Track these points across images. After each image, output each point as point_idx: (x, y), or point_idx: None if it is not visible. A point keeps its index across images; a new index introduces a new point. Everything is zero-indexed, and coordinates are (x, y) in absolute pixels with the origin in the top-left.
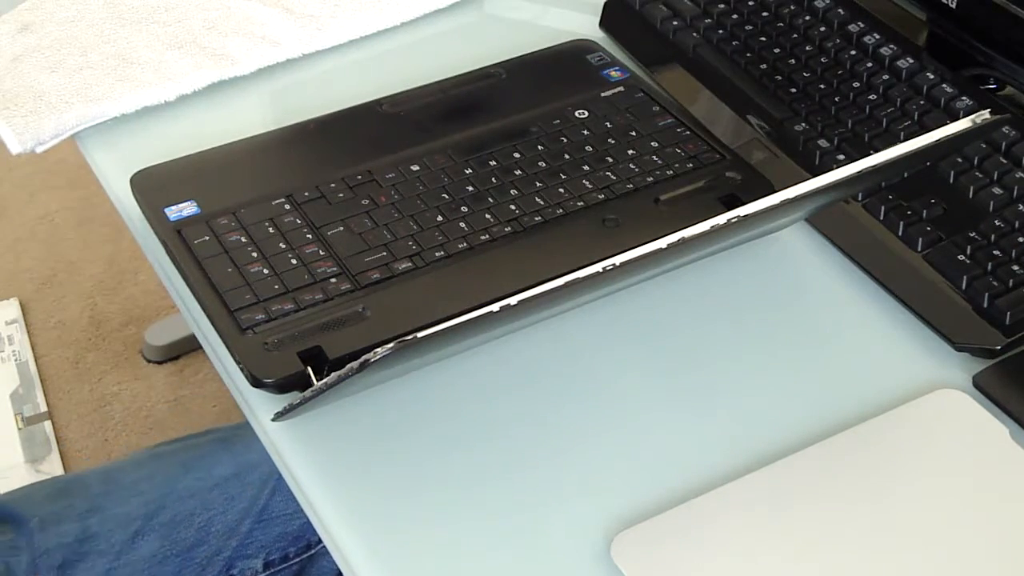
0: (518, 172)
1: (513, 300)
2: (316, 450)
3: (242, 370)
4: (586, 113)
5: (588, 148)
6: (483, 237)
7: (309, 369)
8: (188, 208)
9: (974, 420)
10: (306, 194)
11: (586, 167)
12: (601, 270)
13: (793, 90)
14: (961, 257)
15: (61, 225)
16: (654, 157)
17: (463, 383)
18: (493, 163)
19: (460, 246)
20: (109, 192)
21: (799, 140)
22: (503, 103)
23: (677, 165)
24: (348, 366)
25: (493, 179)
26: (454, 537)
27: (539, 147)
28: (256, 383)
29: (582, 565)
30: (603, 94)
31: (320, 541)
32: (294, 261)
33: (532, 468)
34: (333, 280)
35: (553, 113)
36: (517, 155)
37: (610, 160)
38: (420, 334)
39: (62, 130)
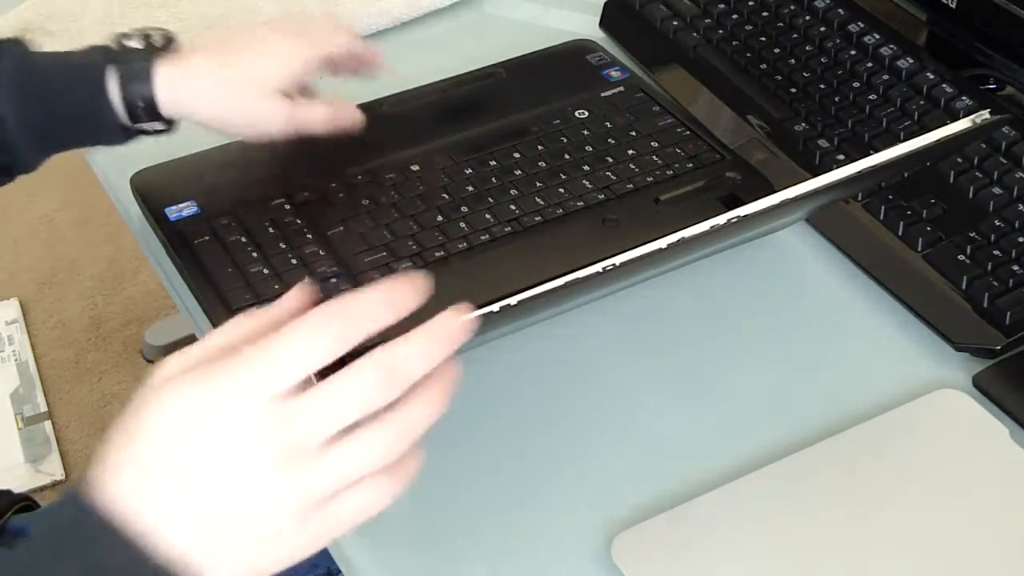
0: (518, 172)
1: (513, 300)
2: None
3: None
4: (586, 113)
5: (588, 148)
6: (483, 237)
7: None
8: (188, 208)
9: (974, 420)
10: (306, 194)
11: (586, 167)
12: (601, 270)
13: (793, 90)
14: (961, 257)
15: (61, 225)
16: (654, 157)
17: (460, 384)
18: (493, 163)
19: (460, 246)
20: (109, 192)
21: (799, 140)
22: (503, 103)
23: (677, 165)
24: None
25: (493, 179)
26: (453, 536)
27: (539, 147)
28: None
29: (582, 565)
30: (603, 94)
31: (339, 571)
32: (294, 261)
33: (532, 468)
34: (333, 280)
35: (553, 113)
36: (517, 155)
37: (610, 160)
38: None
39: None
